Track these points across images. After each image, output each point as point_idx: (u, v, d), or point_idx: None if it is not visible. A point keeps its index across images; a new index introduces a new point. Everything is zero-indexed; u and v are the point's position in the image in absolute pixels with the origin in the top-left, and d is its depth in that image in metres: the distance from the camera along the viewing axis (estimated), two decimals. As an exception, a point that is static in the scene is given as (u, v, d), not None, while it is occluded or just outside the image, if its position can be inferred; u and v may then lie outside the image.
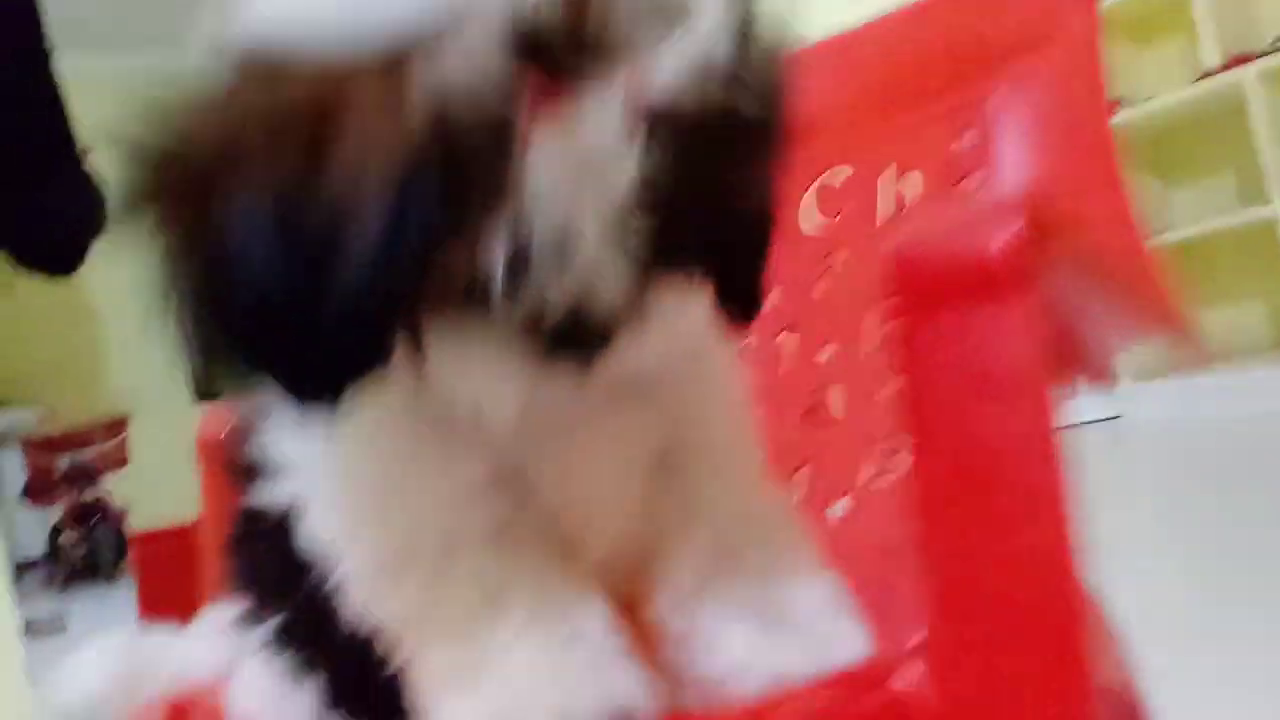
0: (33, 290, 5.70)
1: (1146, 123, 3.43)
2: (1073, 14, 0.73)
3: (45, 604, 4.33)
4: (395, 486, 0.49)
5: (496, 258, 0.38)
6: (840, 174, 0.87)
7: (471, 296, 0.39)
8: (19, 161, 2.10)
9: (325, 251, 0.36)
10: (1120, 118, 3.38)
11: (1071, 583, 0.37)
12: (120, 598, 4.21)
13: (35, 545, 5.28)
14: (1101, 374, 0.53)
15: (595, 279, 0.39)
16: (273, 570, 0.54)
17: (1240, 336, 3.62)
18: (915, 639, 0.41)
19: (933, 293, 0.37)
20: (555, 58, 0.37)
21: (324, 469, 0.50)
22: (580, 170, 0.38)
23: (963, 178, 0.77)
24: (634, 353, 0.44)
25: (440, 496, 0.48)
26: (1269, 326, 3.55)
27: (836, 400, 0.77)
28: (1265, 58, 3.07)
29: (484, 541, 0.48)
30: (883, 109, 0.83)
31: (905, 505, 0.38)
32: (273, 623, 0.55)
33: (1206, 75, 3.23)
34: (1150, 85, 3.60)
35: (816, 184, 0.88)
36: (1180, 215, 3.65)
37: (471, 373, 0.43)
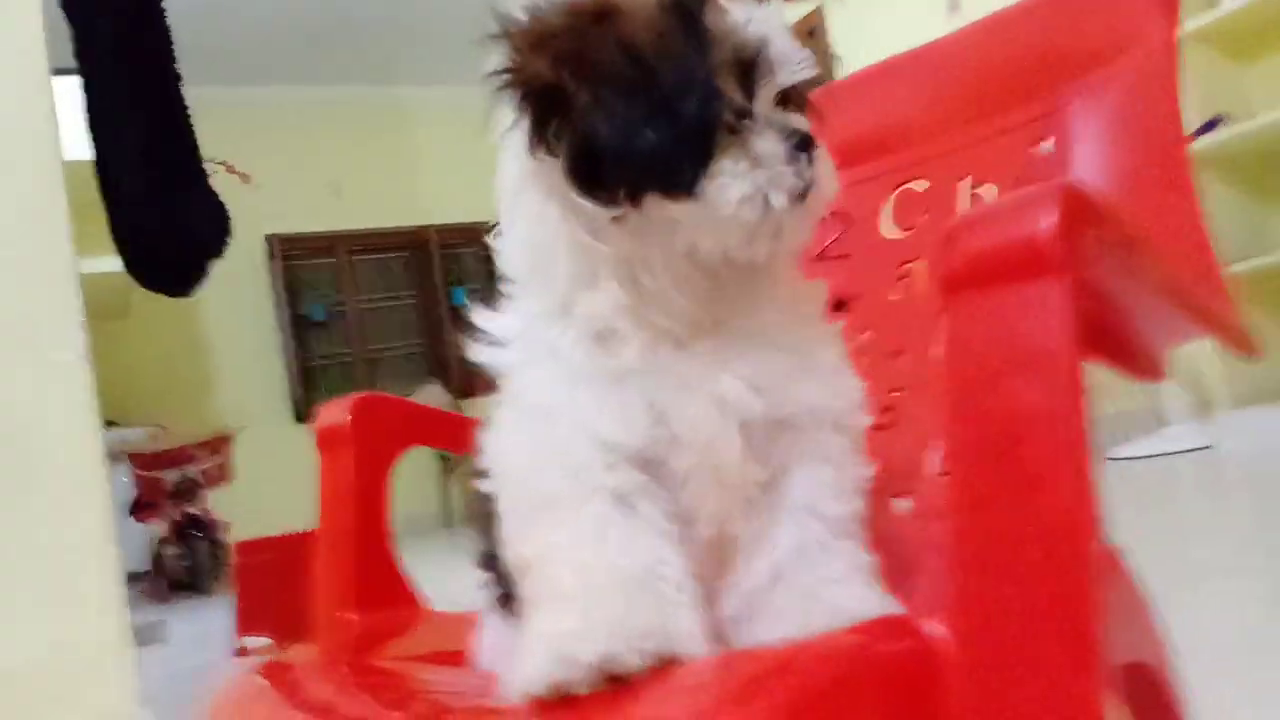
0: (145, 313, 5.99)
1: (1250, 141, 3.34)
2: (1151, 25, 0.73)
3: (147, 614, 4.50)
4: (543, 436, 0.58)
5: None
6: (920, 184, 0.88)
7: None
8: (148, 182, 2.22)
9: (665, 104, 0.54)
10: (1222, 135, 3.29)
11: (1087, 543, 0.38)
12: (217, 611, 4.34)
13: (139, 558, 5.50)
14: (1153, 370, 0.54)
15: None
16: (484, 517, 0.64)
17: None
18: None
19: (973, 270, 0.39)
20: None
21: (497, 423, 0.61)
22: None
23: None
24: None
25: (580, 459, 0.56)
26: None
27: (907, 403, 0.78)
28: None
29: (610, 499, 0.56)
30: (962, 120, 0.84)
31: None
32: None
33: (1313, 93, 3.14)
34: (1255, 102, 3.50)
35: (897, 192, 0.89)
36: (1283, 238, 3.53)
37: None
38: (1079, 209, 0.38)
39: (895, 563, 0.56)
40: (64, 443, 1.62)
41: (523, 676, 0.49)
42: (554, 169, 0.56)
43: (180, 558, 5.20)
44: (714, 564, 0.60)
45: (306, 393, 7.06)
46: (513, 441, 0.60)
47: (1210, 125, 3.36)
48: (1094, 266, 0.40)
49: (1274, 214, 3.61)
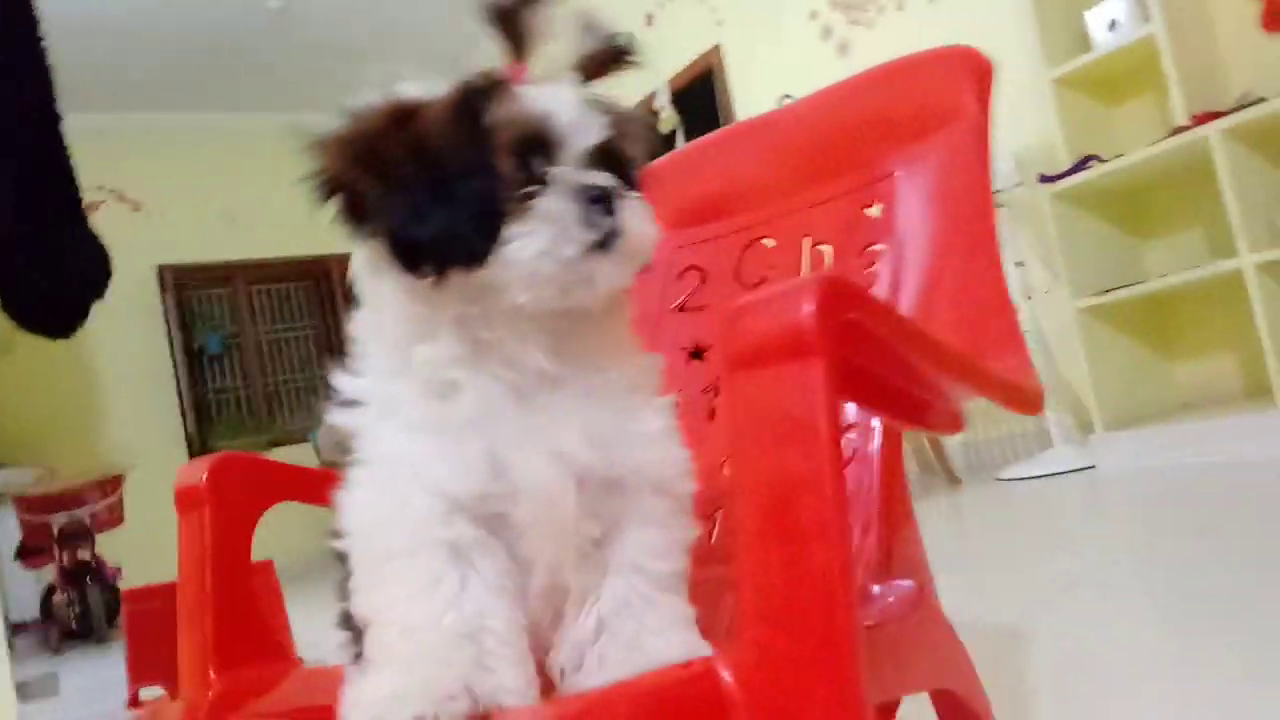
0: (30, 350, 5.79)
1: (1120, 178, 3.52)
2: (966, 105, 0.80)
3: (38, 666, 4.34)
4: (384, 492, 0.62)
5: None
6: (769, 241, 0.94)
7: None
8: (24, 224, 2.17)
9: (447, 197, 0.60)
10: (1093, 173, 3.47)
11: (847, 593, 0.43)
12: (112, 659, 4.21)
13: (29, 606, 5.29)
14: (951, 424, 0.59)
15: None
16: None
17: (1212, 386, 3.68)
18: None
19: (746, 352, 0.44)
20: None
21: (349, 481, 0.65)
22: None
23: (870, 244, 0.83)
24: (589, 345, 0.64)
25: (417, 512, 0.60)
26: (1240, 376, 3.61)
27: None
28: (1229, 115, 3.17)
29: (445, 553, 0.60)
30: (802, 184, 0.90)
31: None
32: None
33: (1175, 132, 3.32)
34: (1122, 142, 3.70)
35: (748, 248, 0.95)
36: (1152, 268, 3.72)
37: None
38: (836, 298, 0.44)
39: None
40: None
41: None
42: (378, 248, 0.62)
43: (71, 605, 5.01)
44: (548, 613, 0.65)
45: (201, 428, 6.90)
46: (360, 497, 0.64)
47: (1082, 164, 3.54)
48: (854, 346, 0.45)
49: (1144, 246, 3.81)
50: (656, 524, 0.65)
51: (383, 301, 0.65)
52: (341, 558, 0.65)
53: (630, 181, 0.66)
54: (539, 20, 0.65)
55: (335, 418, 0.66)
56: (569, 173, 0.63)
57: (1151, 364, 3.74)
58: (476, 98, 0.63)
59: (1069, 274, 3.55)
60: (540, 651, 0.63)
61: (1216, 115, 3.22)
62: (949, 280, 0.77)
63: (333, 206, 0.64)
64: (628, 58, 0.69)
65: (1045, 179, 3.60)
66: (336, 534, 0.65)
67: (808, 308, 0.43)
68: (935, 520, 3.41)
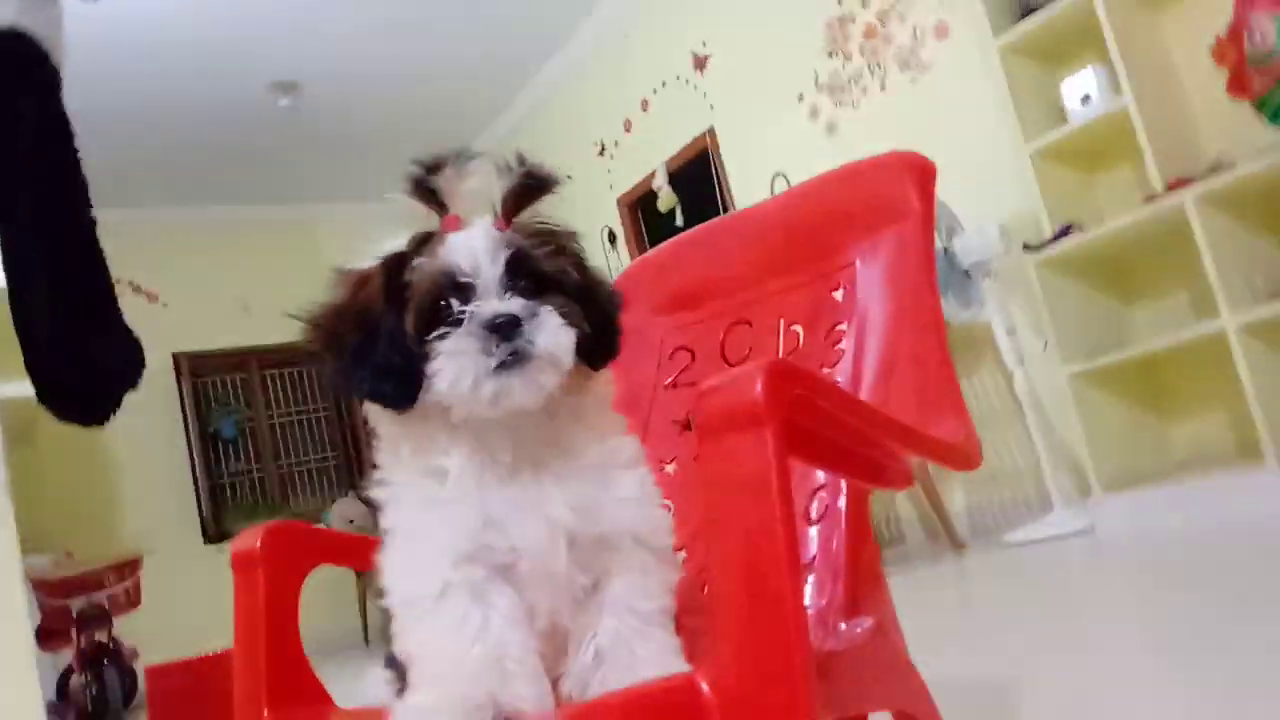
0: (51, 438, 5.91)
1: (1101, 245, 3.63)
2: (912, 201, 0.93)
3: (55, 748, 4.37)
4: (409, 553, 0.77)
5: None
6: (749, 323, 1.06)
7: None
8: (60, 322, 2.30)
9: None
10: (1074, 241, 3.59)
11: (799, 623, 0.53)
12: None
13: (45, 689, 5.31)
14: (901, 479, 0.70)
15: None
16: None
17: (1206, 445, 3.75)
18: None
19: (712, 423, 0.56)
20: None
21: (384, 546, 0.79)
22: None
23: (837, 324, 0.95)
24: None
25: (436, 561, 0.74)
26: (1230, 435, 3.68)
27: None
28: (1202, 181, 3.30)
29: (467, 595, 0.73)
30: (777, 271, 1.02)
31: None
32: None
33: (1151, 199, 3.45)
34: (1102, 209, 3.83)
35: (729, 330, 1.07)
36: (1140, 331, 3.83)
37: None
38: (781, 379, 0.55)
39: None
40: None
41: None
42: None
43: (88, 687, 5.05)
44: (551, 652, 0.77)
45: (216, 511, 6.99)
46: (390, 559, 0.78)
47: (1064, 232, 3.66)
48: (803, 415, 0.56)
49: (1130, 310, 3.92)
50: (640, 571, 0.76)
51: (380, 421, 0.81)
52: (385, 612, 0.77)
53: (551, 295, 0.77)
54: (458, 175, 0.77)
55: (374, 494, 0.79)
56: (481, 306, 0.74)
57: (1145, 425, 3.81)
58: (399, 260, 0.77)
59: (1059, 340, 3.65)
60: (550, 680, 0.74)
61: (1190, 181, 3.35)
62: (903, 352, 0.88)
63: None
64: (547, 187, 0.80)
65: (1029, 248, 3.72)
66: (379, 592, 0.77)
67: (757, 388, 0.54)
68: (940, 584, 3.47)
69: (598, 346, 0.78)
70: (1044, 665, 2.01)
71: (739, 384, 0.55)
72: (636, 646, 0.73)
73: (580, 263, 0.80)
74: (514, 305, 0.74)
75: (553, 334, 0.74)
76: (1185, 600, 2.28)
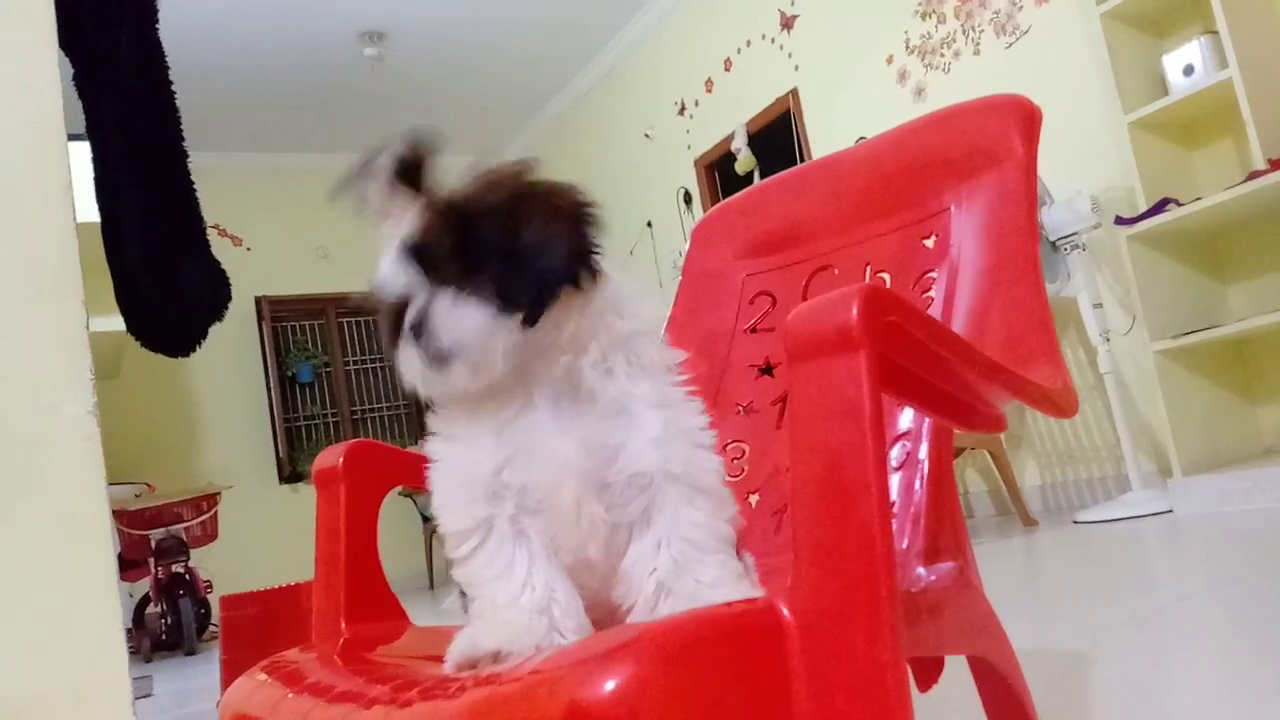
0: (135, 373, 6.10)
1: (1198, 221, 3.52)
2: (1014, 147, 0.89)
3: (132, 671, 4.53)
4: (442, 487, 0.79)
5: None
6: (833, 270, 1.04)
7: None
8: (151, 250, 2.36)
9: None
10: (1171, 216, 3.48)
11: (886, 545, 0.52)
12: (201, 668, 4.40)
13: (123, 616, 5.52)
14: (993, 423, 0.68)
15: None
16: None
17: (1296, 431, 3.64)
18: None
19: (804, 348, 0.54)
20: None
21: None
22: None
23: (926, 271, 0.93)
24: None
25: (474, 483, 0.76)
26: (1323, 421, 3.57)
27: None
28: (1309, 158, 3.17)
29: (505, 527, 0.76)
30: (863, 218, 1.00)
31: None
32: None
33: (1253, 176, 3.32)
34: (1200, 184, 3.70)
35: (813, 276, 1.05)
36: (1233, 311, 3.71)
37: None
38: (877, 303, 0.54)
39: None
40: (71, 491, 1.74)
41: (449, 654, 0.71)
42: None
43: (163, 617, 5.24)
44: (593, 587, 0.78)
45: (291, 452, 7.17)
46: (433, 490, 0.81)
47: (1160, 206, 3.55)
48: (894, 345, 0.55)
49: (1224, 288, 3.80)
50: (687, 504, 0.75)
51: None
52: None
53: (467, 274, 0.75)
54: (368, 184, 0.79)
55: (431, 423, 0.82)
56: (409, 313, 0.76)
57: (1232, 407, 3.71)
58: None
59: (1147, 316, 3.55)
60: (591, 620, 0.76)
61: (1295, 159, 3.23)
62: (998, 302, 0.85)
63: None
64: (426, 155, 0.78)
65: (1122, 221, 3.62)
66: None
67: (853, 310, 0.53)
68: (1009, 559, 3.42)
69: (534, 299, 0.73)
70: (1116, 640, 1.97)
71: (834, 306, 0.53)
72: (698, 573, 0.73)
73: (508, 208, 0.76)
74: (419, 304, 0.75)
75: (449, 324, 0.74)
76: (1265, 584, 2.22)
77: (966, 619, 0.75)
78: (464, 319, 0.73)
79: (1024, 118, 0.90)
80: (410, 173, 0.78)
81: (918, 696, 0.64)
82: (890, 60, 4.87)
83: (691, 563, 0.73)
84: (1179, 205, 3.52)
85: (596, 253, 0.75)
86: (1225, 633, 1.95)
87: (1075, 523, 3.79)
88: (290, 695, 0.71)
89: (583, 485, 0.74)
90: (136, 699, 3.02)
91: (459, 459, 0.78)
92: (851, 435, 0.52)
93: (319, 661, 0.81)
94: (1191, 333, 3.51)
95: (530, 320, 0.73)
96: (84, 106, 2.49)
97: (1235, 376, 3.74)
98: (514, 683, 0.56)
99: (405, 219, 0.77)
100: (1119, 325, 3.90)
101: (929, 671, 0.74)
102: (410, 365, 0.75)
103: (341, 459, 0.96)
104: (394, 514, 5.32)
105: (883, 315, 0.53)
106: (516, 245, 0.74)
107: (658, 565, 0.74)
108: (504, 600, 0.74)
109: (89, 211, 2.41)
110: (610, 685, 0.49)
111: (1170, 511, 3.50)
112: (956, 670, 0.81)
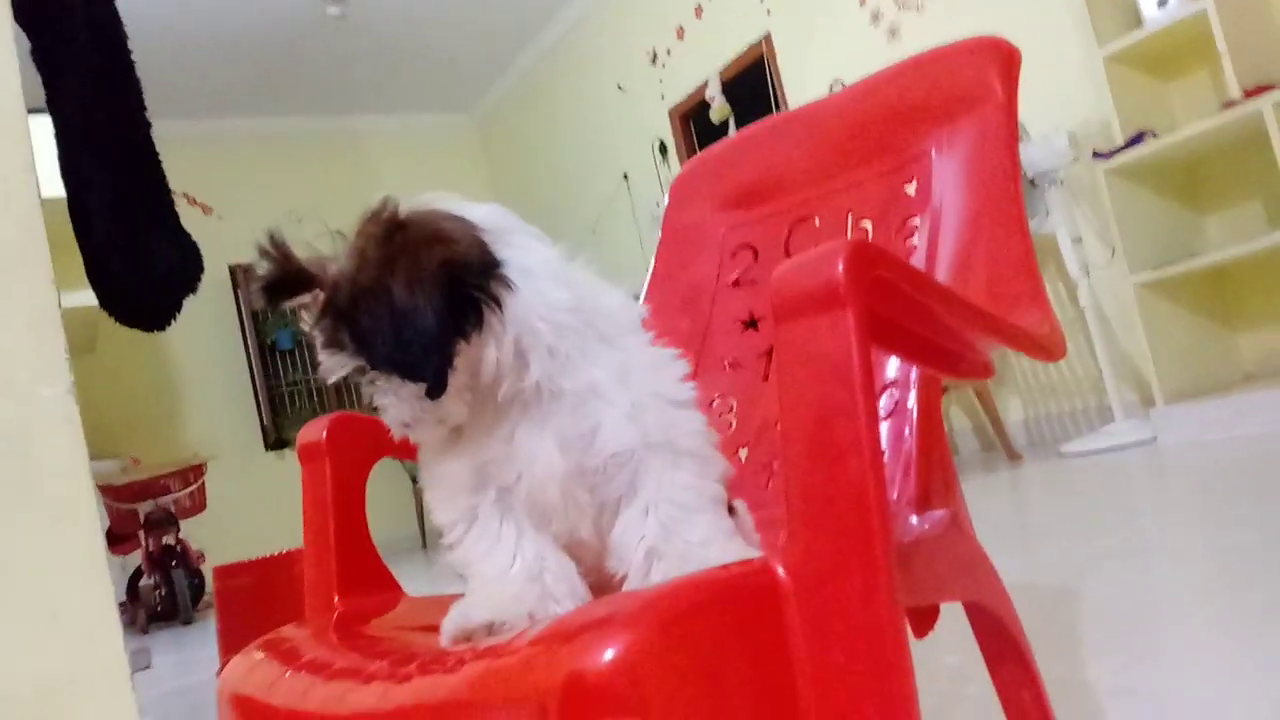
0: (112, 346, 6.04)
1: (1175, 152, 3.52)
2: (993, 90, 0.88)
3: (128, 643, 4.55)
4: (432, 483, 0.80)
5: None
6: (815, 220, 1.03)
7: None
8: (119, 224, 2.32)
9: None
10: (1148, 148, 3.48)
11: (879, 501, 0.52)
12: (198, 638, 4.41)
13: (116, 591, 5.53)
14: (981, 369, 0.68)
15: None
16: None
17: (1272, 358, 3.67)
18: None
19: (790, 305, 0.54)
20: None
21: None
22: None
23: (909, 218, 0.92)
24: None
25: (459, 480, 0.77)
26: (1301, 347, 3.60)
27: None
28: (1283, 87, 3.16)
29: (490, 508, 0.77)
30: (843, 166, 0.99)
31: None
32: None
33: (1228, 106, 3.32)
34: (1176, 117, 3.70)
35: (794, 227, 1.04)
36: (1212, 241, 3.72)
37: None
38: (863, 258, 0.53)
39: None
40: (53, 475, 1.72)
41: (443, 629, 0.71)
42: None
43: (157, 588, 5.25)
44: (587, 561, 0.78)
45: (276, 419, 7.14)
46: (425, 485, 0.82)
47: (1137, 139, 3.55)
48: (882, 299, 0.54)
49: (1201, 219, 3.81)
50: (671, 468, 0.74)
51: None
52: None
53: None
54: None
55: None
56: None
57: (1212, 336, 3.74)
58: None
59: (1126, 249, 3.56)
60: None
61: (1270, 88, 3.22)
62: (981, 247, 0.85)
63: None
64: (284, 261, 0.76)
65: (1099, 155, 3.62)
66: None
67: (839, 267, 0.52)
68: (995, 494, 3.46)
69: (434, 369, 0.70)
70: (1103, 571, 2.00)
71: (819, 263, 0.52)
72: (687, 533, 0.73)
73: (372, 284, 0.72)
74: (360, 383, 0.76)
75: (385, 406, 0.75)
76: (1250, 510, 2.25)
77: (960, 565, 0.75)
78: (392, 399, 0.74)
79: (1002, 60, 0.89)
80: (286, 284, 0.75)
81: (911, 638, 0.65)
82: (863, 2, 4.81)
83: (679, 524, 0.73)
84: (1155, 137, 3.51)
85: (478, 286, 0.70)
86: (1211, 559, 1.98)
87: (1060, 455, 3.83)
88: (288, 674, 0.71)
89: (566, 478, 0.75)
90: (135, 672, 3.02)
91: (445, 466, 0.78)
92: (841, 394, 0.52)
93: (314, 638, 0.81)
94: (1170, 264, 3.52)
95: (434, 393, 0.71)
96: (43, 80, 2.44)
97: (1214, 305, 3.76)
98: (512, 655, 0.56)
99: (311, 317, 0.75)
100: (1098, 259, 3.91)
101: (925, 618, 0.74)
102: (390, 423, 0.76)
103: (325, 433, 0.95)
104: (383, 476, 5.34)
105: (868, 270, 0.52)
106: (393, 321, 0.70)
107: (646, 532, 0.74)
108: (494, 573, 0.75)
109: (54, 187, 2.37)
110: (609, 654, 0.49)
111: (1154, 440, 3.54)
112: (949, 609, 0.82)
